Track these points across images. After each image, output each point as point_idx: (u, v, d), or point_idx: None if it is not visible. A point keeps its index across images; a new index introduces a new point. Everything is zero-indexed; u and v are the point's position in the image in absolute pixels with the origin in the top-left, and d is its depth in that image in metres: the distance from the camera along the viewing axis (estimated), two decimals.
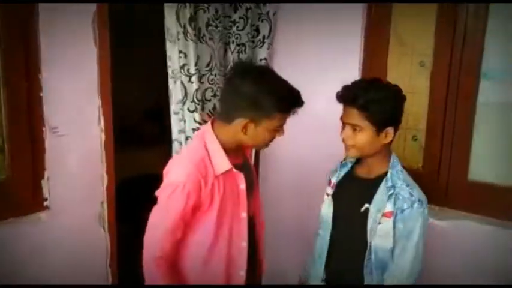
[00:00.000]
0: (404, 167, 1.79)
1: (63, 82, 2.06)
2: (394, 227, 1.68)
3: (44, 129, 2.02)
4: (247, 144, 1.70)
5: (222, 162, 1.64)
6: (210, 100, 2.44)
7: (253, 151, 2.76)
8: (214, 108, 2.47)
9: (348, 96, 1.69)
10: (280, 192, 2.86)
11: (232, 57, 2.45)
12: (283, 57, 2.69)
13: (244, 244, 1.74)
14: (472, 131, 2.22)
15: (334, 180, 1.92)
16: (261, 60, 2.58)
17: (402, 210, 1.67)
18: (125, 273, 2.51)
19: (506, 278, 2.07)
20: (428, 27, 2.28)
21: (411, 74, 2.38)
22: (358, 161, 1.86)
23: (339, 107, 2.51)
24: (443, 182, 2.29)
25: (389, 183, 1.71)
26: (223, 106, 1.70)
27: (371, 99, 1.64)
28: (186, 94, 2.29)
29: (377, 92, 1.67)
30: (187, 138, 2.34)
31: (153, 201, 1.69)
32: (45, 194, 2.07)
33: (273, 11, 2.56)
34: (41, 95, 1.99)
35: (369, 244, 1.73)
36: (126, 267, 2.56)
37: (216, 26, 2.34)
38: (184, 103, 2.30)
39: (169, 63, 2.29)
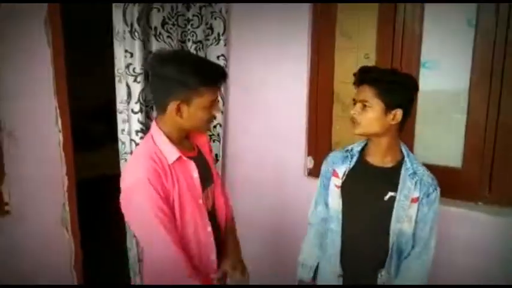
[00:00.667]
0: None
1: (18, 85, 2.05)
2: (417, 211, 1.76)
3: (1, 134, 2.01)
4: (187, 128, 1.72)
5: (171, 152, 1.67)
6: None
7: (220, 149, 2.83)
8: None
9: (363, 74, 1.75)
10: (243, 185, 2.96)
11: None
12: (239, 53, 2.76)
13: (209, 229, 1.78)
14: (416, 116, 2.38)
15: (341, 171, 1.89)
16: (218, 57, 2.62)
17: (428, 195, 1.75)
18: (90, 275, 2.53)
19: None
20: (371, 23, 2.41)
21: (357, 66, 2.49)
22: (365, 148, 1.89)
23: (290, 98, 2.66)
24: None
25: (411, 171, 1.77)
26: (154, 98, 1.74)
27: (383, 78, 1.71)
28: (130, 94, 2.28)
29: (391, 74, 1.75)
30: (131, 140, 2.34)
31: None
32: (6, 199, 2.06)
33: (225, 8, 2.61)
34: None
35: (393, 230, 1.77)
36: (90, 268, 2.58)
37: (173, 24, 2.37)
38: (128, 103, 2.30)
39: (115, 61, 2.28)
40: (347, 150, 1.93)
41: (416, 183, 1.75)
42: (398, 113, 1.72)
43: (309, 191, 2.69)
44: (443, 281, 2.26)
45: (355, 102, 1.78)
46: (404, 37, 2.34)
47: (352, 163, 1.88)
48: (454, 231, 2.26)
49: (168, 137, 1.69)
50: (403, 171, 1.78)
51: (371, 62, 2.45)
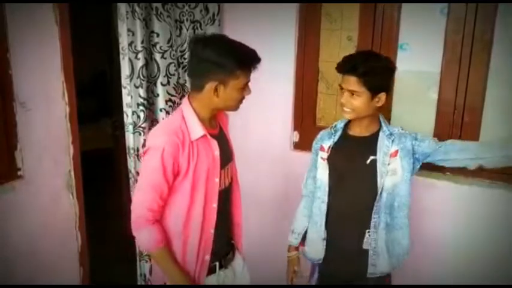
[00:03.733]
0: None
1: (29, 61, 2.21)
2: (402, 162, 1.97)
3: (14, 104, 2.18)
4: (221, 107, 1.86)
5: (197, 129, 1.80)
6: (174, 74, 2.61)
7: None
8: (178, 81, 2.65)
9: (348, 65, 1.92)
10: None
11: (187, 33, 2.63)
12: (233, 33, 2.88)
13: (215, 205, 1.90)
14: (393, 94, 2.58)
15: (327, 145, 2.11)
16: None
17: (416, 138, 2.00)
18: (91, 235, 2.74)
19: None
20: (354, 6, 2.60)
21: (340, 47, 2.69)
22: (348, 124, 2.10)
23: (278, 77, 2.84)
24: None
25: (387, 132, 2.00)
26: (193, 77, 1.86)
27: (369, 68, 1.88)
28: (132, 70, 2.44)
29: (374, 62, 1.92)
30: (133, 112, 2.49)
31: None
32: (19, 164, 2.23)
33: None
34: (10, 72, 2.14)
35: (380, 188, 1.97)
36: (92, 229, 2.80)
37: (172, 5, 2.52)
38: (131, 79, 2.45)
39: (120, 40, 2.43)
40: (332, 127, 2.15)
41: (393, 140, 1.99)
42: (383, 96, 1.94)
43: (295, 163, 2.92)
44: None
45: (342, 89, 1.97)
46: (384, 21, 2.53)
47: (336, 137, 2.11)
48: (424, 198, 2.50)
49: (197, 114, 1.82)
50: (380, 135, 2.01)
51: (353, 44, 2.65)
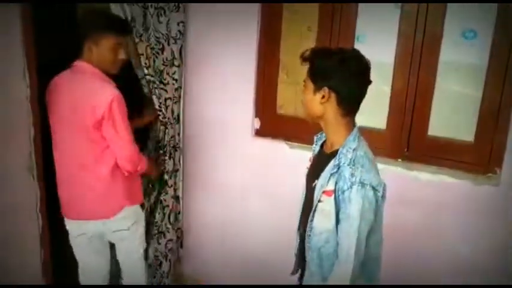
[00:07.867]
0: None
1: None
2: (337, 207, 1.58)
3: None
4: (98, 66, 2.27)
5: None
6: None
7: (181, 110, 3.06)
8: None
9: (306, 53, 1.68)
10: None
11: (152, 20, 2.64)
12: (198, 21, 2.97)
13: None
14: None
15: (311, 155, 1.89)
16: (178, 24, 2.80)
17: (343, 191, 1.55)
18: (53, 215, 2.73)
19: None
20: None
21: (301, 37, 2.79)
22: None
23: (241, 64, 2.91)
24: None
25: (336, 161, 1.60)
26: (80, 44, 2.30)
27: (315, 54, 1.63)
28: None
29: (326, 50, 1.66)
30: None
31: None
32: None
33: None
34: None
35: (310, 219, 1.68)
36: (53, 210, 2.78)
37: None
38: None
39: None
40: (317, 136, 1.92)
41: (333, 174, 1.60)
42: (326, 92, 1.61)
43: (256, 149, 3.00)
44: None
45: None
46: (342, 13, 2.62)
47: (317, 148, 1.86)
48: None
49: None
50: (332, 161, 1.65)
51: (313, 34, 2.73)
